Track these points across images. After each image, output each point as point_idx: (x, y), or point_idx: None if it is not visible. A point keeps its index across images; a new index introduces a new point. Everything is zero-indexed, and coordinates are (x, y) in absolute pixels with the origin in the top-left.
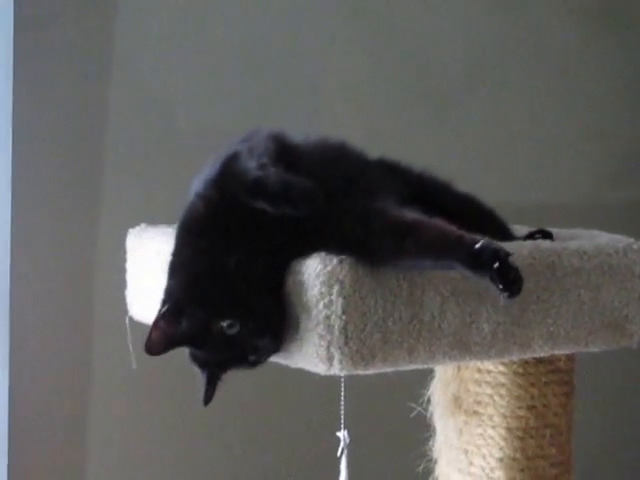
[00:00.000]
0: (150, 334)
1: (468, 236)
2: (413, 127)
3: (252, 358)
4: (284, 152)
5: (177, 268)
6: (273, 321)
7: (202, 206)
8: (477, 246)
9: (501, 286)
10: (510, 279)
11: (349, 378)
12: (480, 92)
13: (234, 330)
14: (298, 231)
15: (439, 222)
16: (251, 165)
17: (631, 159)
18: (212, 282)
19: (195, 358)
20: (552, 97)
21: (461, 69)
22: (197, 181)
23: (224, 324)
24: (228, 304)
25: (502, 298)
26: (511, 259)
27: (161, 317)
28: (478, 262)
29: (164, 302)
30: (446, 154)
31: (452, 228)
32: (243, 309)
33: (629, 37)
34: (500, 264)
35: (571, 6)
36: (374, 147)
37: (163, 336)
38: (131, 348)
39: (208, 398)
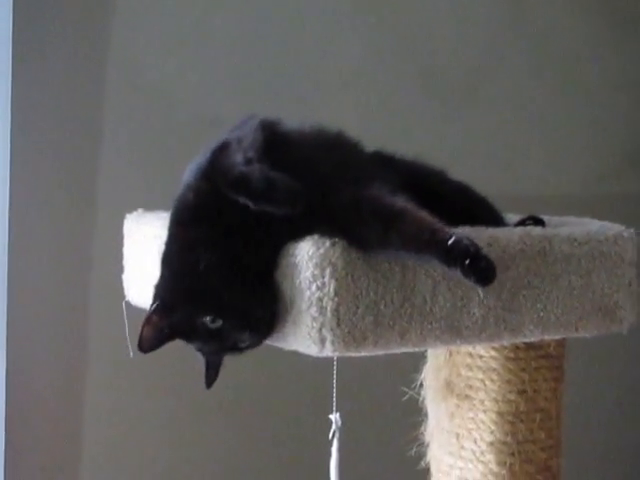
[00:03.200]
0: (142, 332)
1: (442, 231)
2: (413, 119)
3: (242, 345)
4: (274, 143)
5: (166, 262)
6: (254, 316)
7: (192, 197)
8: (449, 243)
9: (473, 279)
10: (481, 270)
11: (342, 362)
12: (480, 85)
13: (217, 324)
14: (287, 222)
15: (421, 214)
16: (237, 159)
17: (626, 153)
18: (196, 278)
19: (193, 346)
20: (552, 91)
21: (461, 62)
22: (189, 169)
23: (207, 319)
24: (210, 300)
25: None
26: (482, 251)
27: (152, 314)
28: (450, 258)
29: (154, 298)
30: (446, 144)
31: (430, 222)
32: (224, 305)
33: (629, 34)
34: (471, 260)
35: (573, 3)
36: (374, 138)
37: (154, 332)
38: (128, 338)
39: (209, 382)
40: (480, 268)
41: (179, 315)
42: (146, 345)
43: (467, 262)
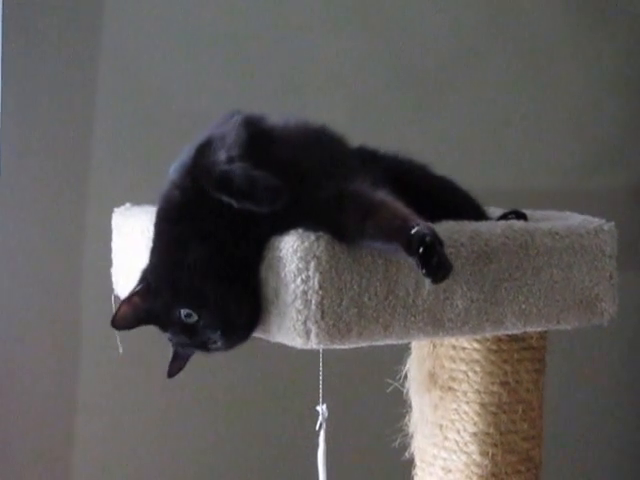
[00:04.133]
0: (119, 309)
1: (410, 220)
2: (395, 114)
3: (212, 347)
4: (257, 139)
5: (154, 255)
6: (230, 319)
7: (177, 195)
8: (412, 231)
9: (424, 271)
10: (432, 265)
11: (327, 354)
12: (461, 80)
13: (192, 320)
14: (272, 218)
15: (397, 205)
16: (220, 157)
17: (606, 148)
18: (182, 272)
19: (167, 336)
20: (532, 86)
21: (441, 57)
22: (173, 167)
23: (183, 313)
24: (191, 295)
25: (426, 282)
26: (439, 247)
27: (135, 294)
28: (411, 246)
29: (140, 280)
30: (428, 139)
31: (403, 212)
32: (201, 302)
33: (610, 30)
34: (425, 249)
35: None
36: (357, 133)
37: (133, 313)
38: (117, 336)
39: (171, 372)
40: (431, 265)
41: (160, 302)
42: (120, 323)
43: (421, 251)
